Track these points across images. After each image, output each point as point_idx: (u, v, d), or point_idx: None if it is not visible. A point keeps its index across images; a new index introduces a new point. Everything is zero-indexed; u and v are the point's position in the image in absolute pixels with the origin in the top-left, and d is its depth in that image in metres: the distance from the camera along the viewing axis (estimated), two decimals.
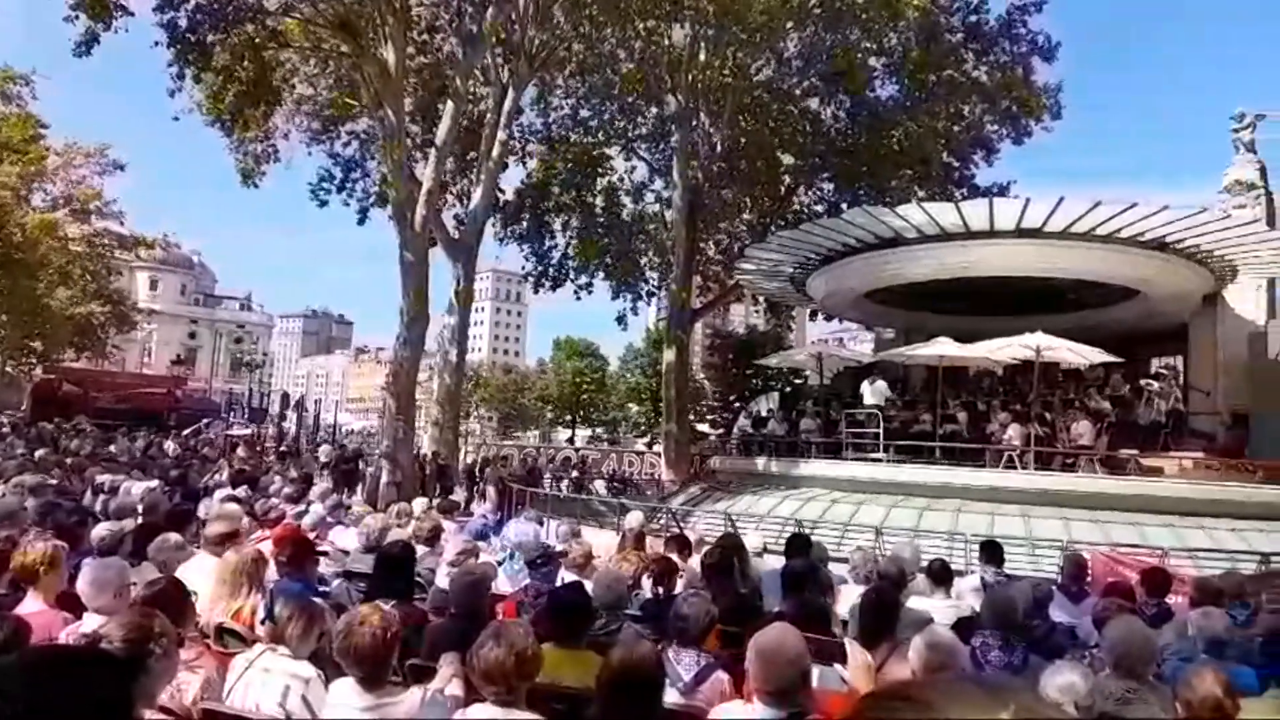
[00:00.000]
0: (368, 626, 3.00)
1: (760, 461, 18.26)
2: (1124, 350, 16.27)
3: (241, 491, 9.92)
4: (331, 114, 25.51)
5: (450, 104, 20.20)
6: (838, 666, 3.77)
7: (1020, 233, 15.76)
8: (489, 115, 22.96)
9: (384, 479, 17.92)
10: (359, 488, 19.52)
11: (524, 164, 29.42)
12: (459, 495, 19.11)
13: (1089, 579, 7.82)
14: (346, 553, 6.50)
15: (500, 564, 6.43)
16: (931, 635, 3.68)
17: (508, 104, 22.06)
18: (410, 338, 19.09)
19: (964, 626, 4.79)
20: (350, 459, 22.95)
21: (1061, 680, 3.33)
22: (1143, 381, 17.22)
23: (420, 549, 6.48)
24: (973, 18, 25.07)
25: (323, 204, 27.33)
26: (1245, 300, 18.32)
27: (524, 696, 2.81)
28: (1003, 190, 25.75)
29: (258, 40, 20.02)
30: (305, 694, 3.12)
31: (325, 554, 6.21)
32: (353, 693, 3.02)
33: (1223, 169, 19.26)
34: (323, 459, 24.62)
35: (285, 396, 42.94)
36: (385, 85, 18.17)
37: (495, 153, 22.00)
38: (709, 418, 47.37)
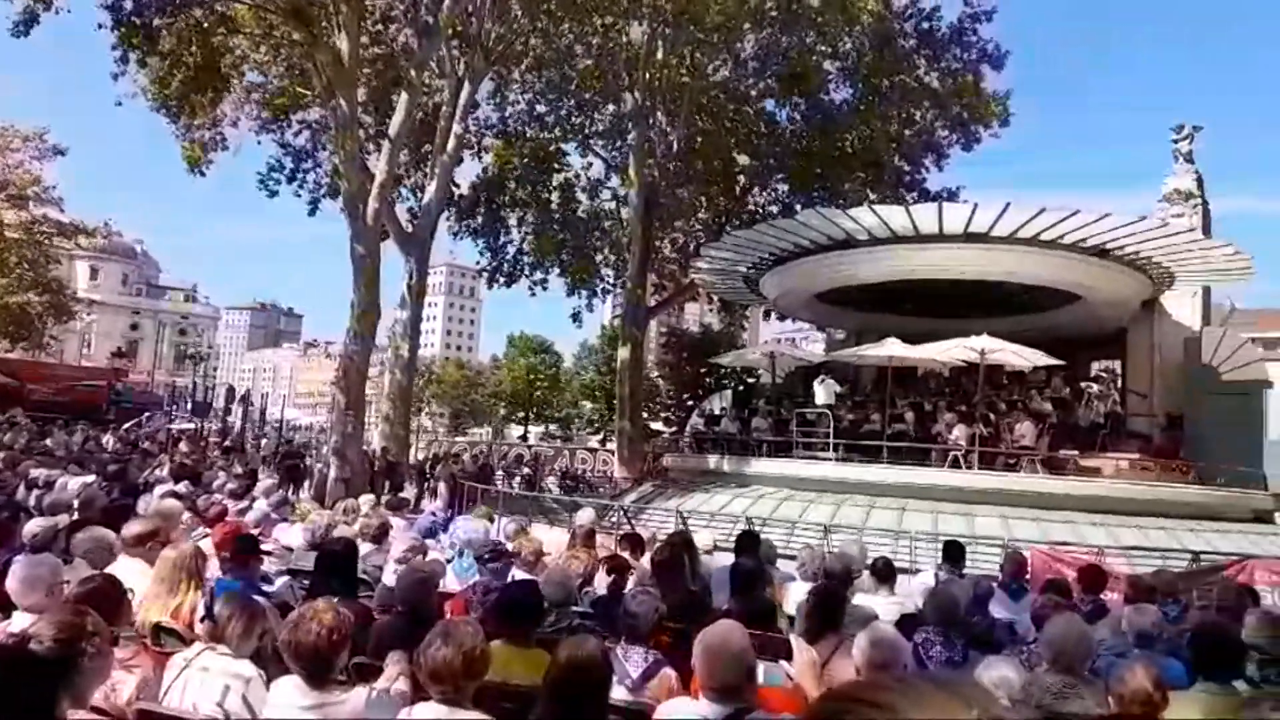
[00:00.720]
0: (315, 623, 2.96)
1: (713, 459, 18.36)
2: (1065, 353, 16.69)
3: (183, 487, 9.68)
4: (282, 102, 25.00)
5: (405, 95, 19.94)
6: (783, 663, 3.82)
7: (967, 237, 16.09)
8: (444, 108, 22.72)
9: (332, 475, 17.64)
10: (306, 484, 19.19)
11: (479, 158, 29.21)
12: (409, 492, 18.90)
13: (1028, 576, 8.01)
14: (291, 550, 6.40)
15: (449, 561, 6.38)
16: (875, 632, 3.74)
17: (463, 97, 21.87)
18: (361, 332, 18.81)
19: (907, 623, 4.88)
20: (296, 454, 22.54)
21: (995, 674, 3.41)
22: (1083, 384, 17.71)
23: (367, 546, 6.41)
24: (925, 24, 25.49)
25: (272, 194, 26.80)
26: (1181, 306, 18.93)
27: (471, 695, 2.79)
28: (952, 195, 26.25)
29: (206, 25, 19.56)
30: (245, 694, 3.06)
31: (269, 552, 6.10)
32: (296, 692, 2.98)
33: (1162, 178, 19.86)
34: (262, 452, 24.15)
35: (231, 390, 41.96)
36: (338, 75, 17.87)
37: (450, 146, 21.79)
38: (663, 415, 47.50)
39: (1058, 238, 15.72)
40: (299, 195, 27.32)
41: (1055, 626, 3.95)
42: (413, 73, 20.04)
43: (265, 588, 4.99)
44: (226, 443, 27.84)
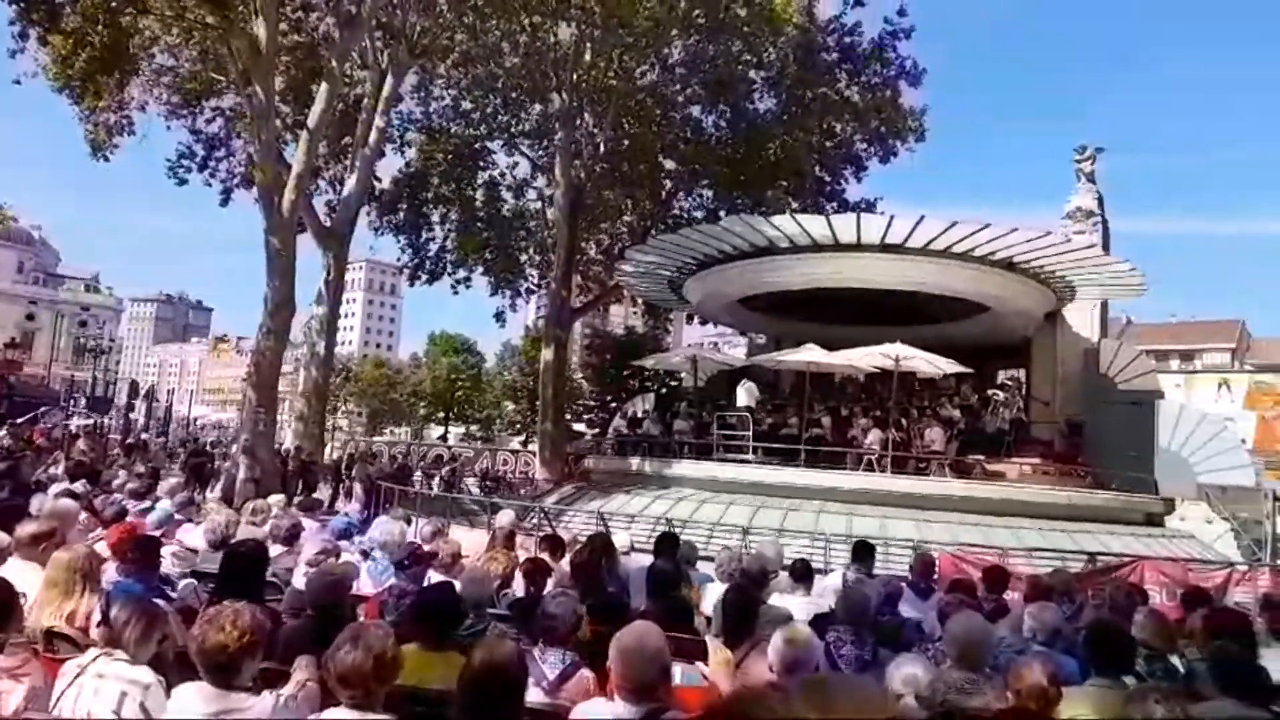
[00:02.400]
0: (227, 625, 2.86)
1: (634, 461, 18.42)
2: (974, 362, 17.32)
3: (80, 486, 9.20)
4: (194, 88, 24.07)
5: (325, 86, 19.43)
6: (699, 664, 3.86)
7: (884, 247, 16.57)
8: (366, 100, 22.24)
9: (241, 475, 17.06)
10: (214, 484, 18.52)
11: (402, 153, 28.71)
12: (324, 493, 18.43)
13: (937, 576, 8.28)
14: (196, 552, 6.16)
15: (364, 564, 6.24)
16: (790, 631, 3.80)
17: (386, 90, 21.44)
18: (274, 327, 18.25)
19: (821, 622, 4.98)
20: (202, 452, 21.73)
21: (905, 672, 3.51)
22: (990, 391, 18.42)
23: (277, 548, 6.22)
24: (847, 39, 26.10)
25: (182, 182, 25.80)
26: (1081, 319, 19.83)
27: (382, 699, 2.74)
28: (870, 206, 26.93)
29: (114, 3, 18.65)
30: (144, 701, 2.94)
31: (173, 553, 5.86)
32: (198, 698, 2.87)
33: (1066, 196, 20.80)
34: (167, 450, 23.22)
35: (134, 386, 40.23)
36: (255, 62, 17.29)
37: (372, 139, 21.34)
38: (585, 417, 47.42)
39: (969, 250, 16.30)
40: (210, 184, 26.41)
41: (958, 625, 4.09)
42: (334, 63, 19.54)
43: (169, 591, 4.80)
44: (128, 440, 26.67)
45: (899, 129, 26.41)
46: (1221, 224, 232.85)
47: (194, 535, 6.87)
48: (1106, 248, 19.34)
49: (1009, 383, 19.96)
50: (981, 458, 16.24)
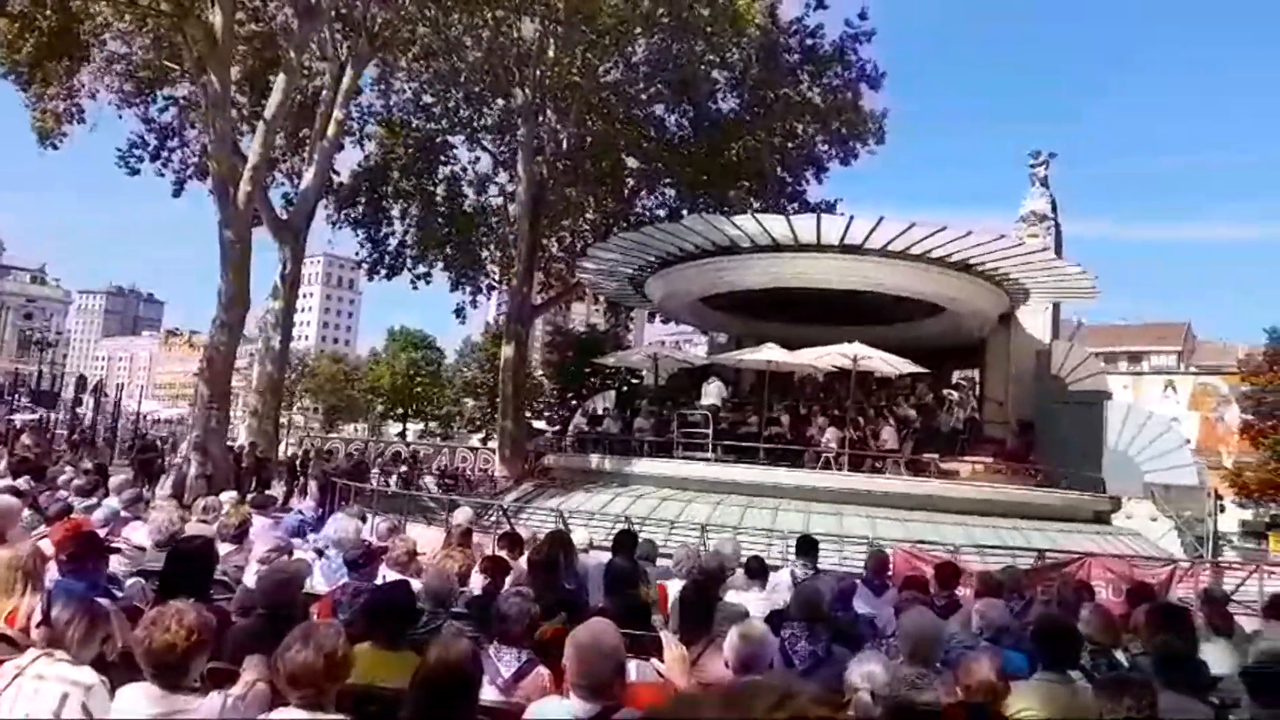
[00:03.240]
0: (173, 624, 2.80)
1: (595, 459, 18.38)
2: (930, 362, 17.58)
3: (23, 483, 8.94)
4: (148, 76, 23.52)
5: (282, 76, 19.11)
6: (654, 660, 3.87)
7: (844, 248, 16.74)
8: (325, 92, 21.94)
9: (193, 471, 16.74)
10: (163, 480, 18.13)
11: (361, 146, 28.37)
12: (278, 490, 18.15)
13: (891, 573, 8.40)
14: (143, 550, 6.03)
15: (318, 562, 6.16)
16: (745, 628, 3.84)
17: (346, 82, 21.16)
18: (228, 321, 17.93)
19: (776, 619, 5.03)
20: (152, 448, 21.26)
21: (864, 669, 3.54)
22: (945, 391, 18.71)
23: (227, 546, 6.11)
24: (809, 41, 26.32)
25: (134, 172, 25.28)
26: (1034, 321, 20.21)
27: (333, 699, 2.71)
28: (830, 207, 27.16)
29: None
30: (85, 702, 2.86)
31: (119, 551, 5.72)
32: (143, 698, 2.81)
33: (1020, 200, 21.19)
34: (115, 446, 22.70)
35: (82, 380, 39.20)
36: (210, 50, 16.95)
37: (330, 131, 21.05)
38: (546, 415, 47.27)
39: (926, 252, 16.53)
40: (163, 175, 25.91)
41: (910, 620, 4.16)
42: (292, 54, 19.21)
43: (115, 590, 4.68)
44: (75, 436, 26.01)
45: (859, 131, 26.70)
46: (1170, 229, 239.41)
47: (141, 533, 6.71)
48: (1059, 251, 19.74)
49: (963, 383, 20.29)
50: (936, 456, 16.49)
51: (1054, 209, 20.84)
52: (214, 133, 17.96)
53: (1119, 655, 4.84)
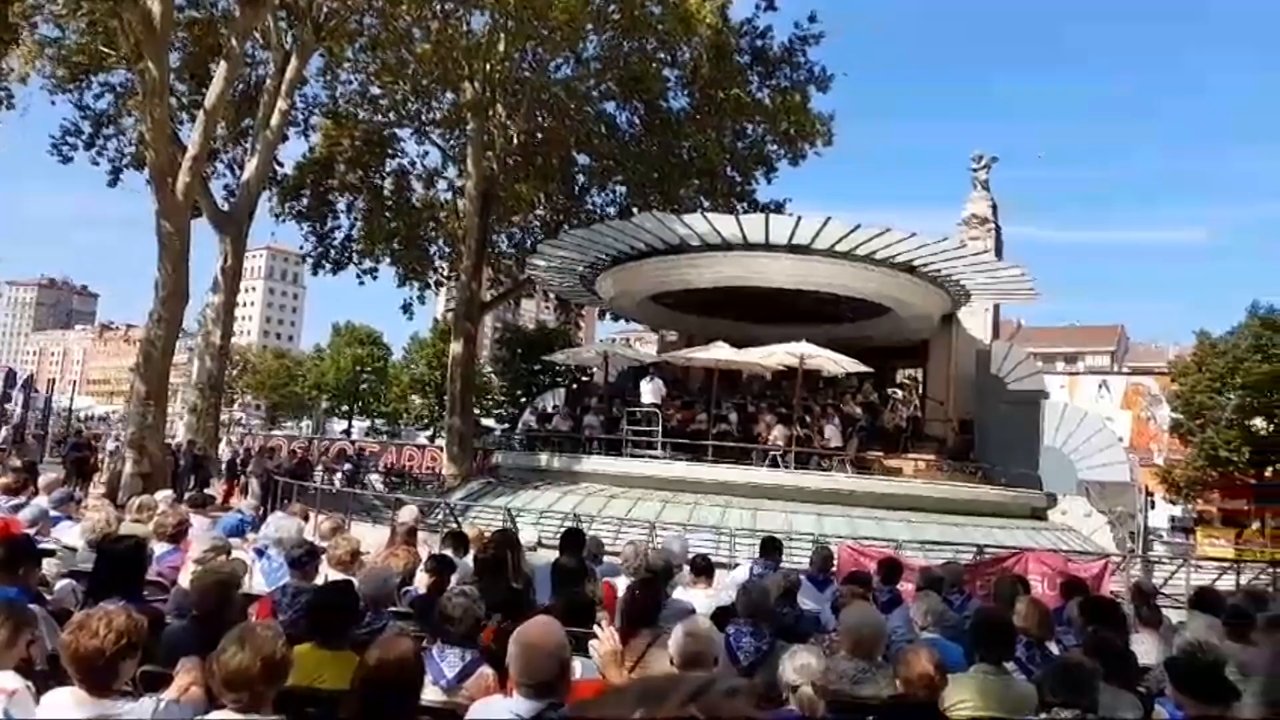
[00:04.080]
0: (101, 627, 2.71)
1: (543, 457, 18.31)
2: (875, 361, 17.89)
3: None
4: (81, 61, 22.72)
5: (224, 64, 18.62)
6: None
7: (791, 248, 16.93)
8: (269, 81, 21.44)
9: (128, 469, 16.25)
10: (97, 479, 17.57)
11: (306, 137, 27.81)
12: (217, 489, 17.70)
13: (835, 569, 8.53)
14: (74, 550, 5.84)
15: (257, 562, 6.03)
16: (690, 625, 3.85)
17: (290, 72, 20.71)
18: (165, 315, 17.43)
19: (722, 616, 5.07)
20: (85, 446, 20.57)
21: (798, 662, 3.59)
22: (889, 390, 19.06)
23: (163, 546, 5.95)
24: (759, 42, 26.52)
25: (66, 160, 24.40)
26: (975, 322, 20.70)
27: (270, 702, 2.65)
28: (779, 207, 27.40)
29: None
30: (7, 708, 2.76)
31: (50, 552, 5.53)
32: (71, 703, 2.72)
33: (962, 203, 21.66)
34: (46, 444, 21.93)
35: (10, 374, 37.70)
36: (148, 36, 16.40)
37: (274, 122, 20.58)
38: (495, 412, 46.98)
39: (871, 253, 16.80)
40: (98, 163, 25.03)
41: (852, 615, 4.22)
42: (234, 41, 18.73)
43: (44, 593, 4.52)
44: (2, 432, 25.05)
45: (807, 132, 26.96)
46: (1105, 233, 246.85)
47: (73, 533, 6.50)
48: (999, 253, 20.24)
49: (907, 382, 20.71)
50: (880, 454, 16.79)
51: (995, 212, 21.34)
52: (151, 121, 17.39)
53: (1052, 647, 4.97)
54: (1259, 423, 33.23)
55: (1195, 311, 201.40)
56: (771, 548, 7.92)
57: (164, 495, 8.36)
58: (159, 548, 5.96)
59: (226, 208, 21.44)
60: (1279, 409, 32.88)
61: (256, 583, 5.78)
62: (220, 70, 18.63)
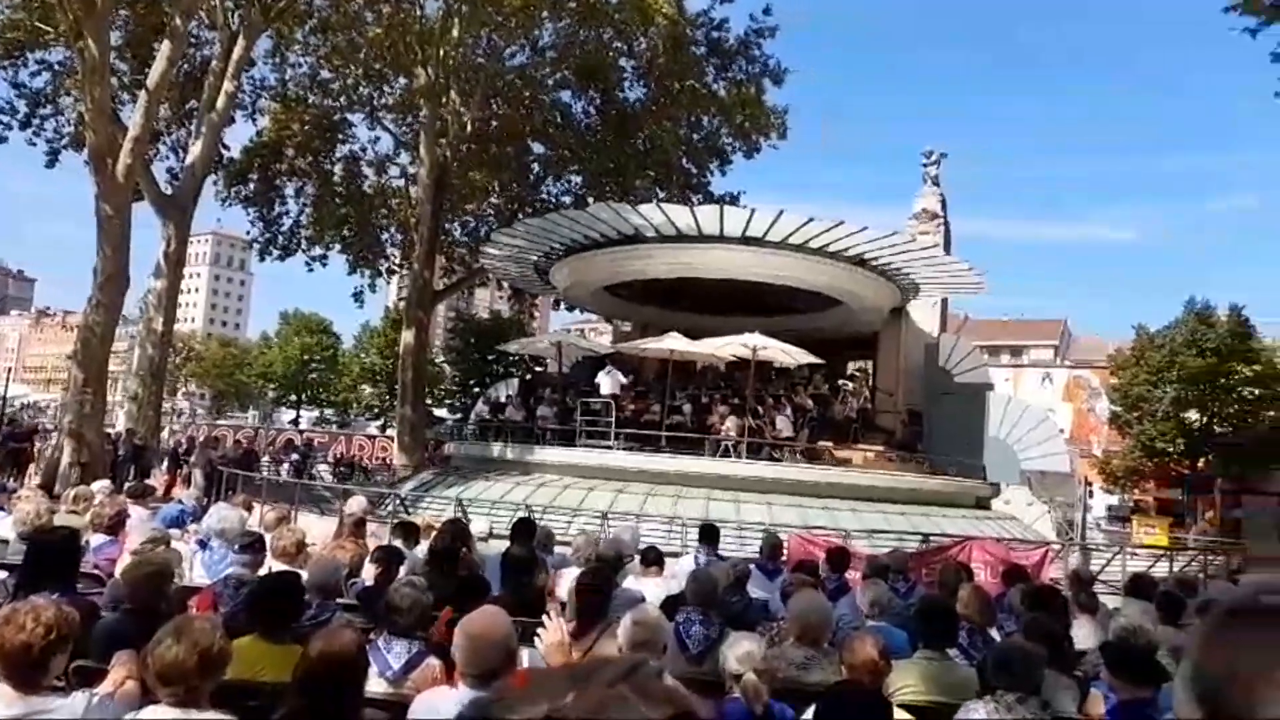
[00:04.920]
0: (29, 621, 2.63)
1: (496, 447, 18.22)
2: (826, 353, 18.10)
3: None
4: (17, 38, 21.89)
5: (167, 44, 18.06)
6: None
7: (745, 240, 17.04)
8: (214, 62, 20.90)
9: (65, 459, 15.78)
10: (33, 469, 17.03)
11: (254, 121, 27.12)
12: (158, 479, 17.28)
13: (785, 558, 8.62)
14: (6, 543, 5.65)
15: (199, 553, 5.90)
16: (639, 614, 3.86)
17: (237, 52, 20.18)
18: (105, 300, 16.94)
19: (672, 604, 5.10)
20: (21, 435, 19.92)
21: (740, 651, 3.61)
22: (840, 381, 19.30)
23: (100, 538, 5.79)
24: (715, 34, 26.53)
25: (1, 140, 23.50)
26: (924, 315, 21.06)
27: (207, 695, 2.59)
28: (734, 199, 27.49)
29: None
30: None
31: None
32: None
33: (913, 198, 21.99)
34: None
35: None
36: (87, 13, 15.84)
37: (220, 104, 20.06)
38: (448, 402, 46.55)
39: (824, 245, 16.99)
40: (35, 144, 24.15)
41: (799, 603, 4.28)
42: (178, 20, 18.18)
43: None
44: None
45: (762, 125, 27.09)
46: (1050, 229, 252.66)
47: (4, 525, 6.30)
48: (948, 248, 20.59)
49: (857, 373, 21.00)
50: (830, 444, 17.00)
51: (944, 207, 21.70)
52: (91, 101, 16.82)
53: (994, 633, 5.08)
54: (1193, 415, 34.40)
55: (1134, 306, 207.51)
56: (711, 535, 8.00)
57: (101, 486, 8.15)
58: (95, 539, 5.80)
59: (170, 191, 20.87)
60: (1212, 402, 34.04)
61: (198, 575, 5.66)
62: (163, 49, 18.08)
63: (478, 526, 8.24)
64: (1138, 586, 6.77)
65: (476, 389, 38.68)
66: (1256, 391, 33.65)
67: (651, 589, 6.05)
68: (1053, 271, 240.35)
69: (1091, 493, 29.19)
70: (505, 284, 29.63)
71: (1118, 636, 4.35)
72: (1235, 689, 0.68)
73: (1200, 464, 34.26)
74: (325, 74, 26.51)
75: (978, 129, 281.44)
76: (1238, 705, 0.68)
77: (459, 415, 38.47)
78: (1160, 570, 13.04)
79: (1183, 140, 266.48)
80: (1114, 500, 38.73)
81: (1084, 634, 5.43)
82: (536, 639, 3.61)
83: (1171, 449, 34.27)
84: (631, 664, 0.66)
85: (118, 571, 5.03)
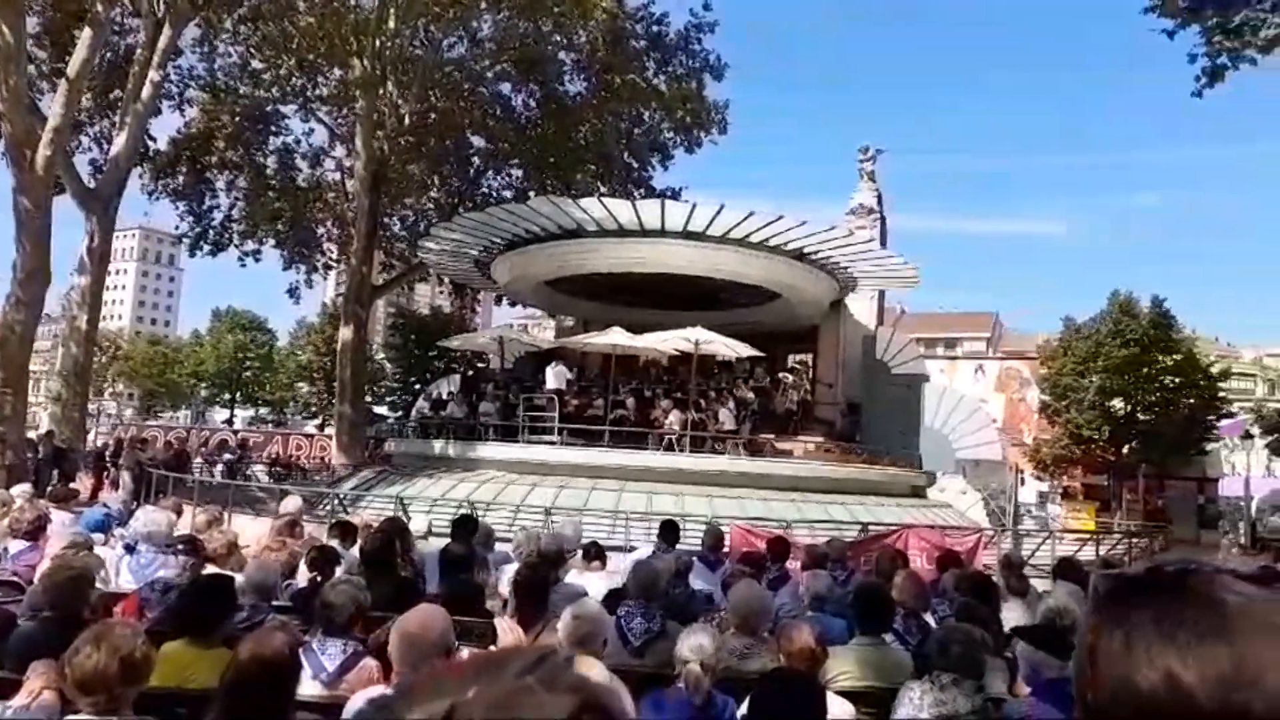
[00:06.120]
0: None
1: (438, 444, 18.03)
2: (767, 346, 18.31)
3: None
4: None
5: (88, 31, 17.42)
6: (491, 648, 3.83)
7: (686, 234, 17.13)
8: (139, 51, 20.19)
9: None
10: None
11: (182, 112, 26.28)
12: (84, 483, 16.68)
13: (727, 549, 8.71)
14: None
15: (125, 558, 5.71)
16: (579, 607, 3.87)
17: (163, 41, 19.56)
18: (24, 298, 16.32)
19: (614, 598, 5.11)
20: None
21: (693, 642, 3.64)
22: (780, 374, 19.54)
23: (19, 544, 5.57)
24: (655, 28, 26.53)
25: None
26: (861, 308, 21.42)
27: (131, 703, 2.52)
28: (675, 194, 27.56)
29: None
30: None
31: None
32: None
33: (850, 193, 22.31)
34: None
35: None
36: None
37: (145, 94, 19.42)
38: (388, 400, 45.79)
39: (764, 240, 17.17)
40: None
41: (738, 593, 4.33)
42: (99, 7, 17.53)
43: None
44: None
45: (703, 120, 27.21)
46: (981, 223, 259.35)
47: None
48: (884, 242, 20.97)
49: (798, 366, 21.26)
50: (772, 437, 17.21)
51: (880, 202, 22.08)
52: (6, 90, 16.14)
53: (928, 618, 5.21)
54: (1118, 404, 35.63)
55: (1062, 299, 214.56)
56: (669, 530, 8.03)
57: (20, 490, 7.84)
58: (14, 545, 5.59)
59: (93, 184, 20.15)
60: (1135, 391, 35.32)
61: (124, 580, 5.48)
62: (84, 37, 17.44)
63: (418, 525, 8.14)
64: (1064, 569, 7.01)
65: (417, 386, 38.16)
66: (1176, 380, 34.99)
67: (594, 583, 6.06)
68: (984, 265, 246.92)
69: (1023, 480, 30.08)
70: (446, 279, 29.27)
71: (1045, 618, 4.50)
72: (1116, 657, 0.72)
73: (1125, 451, 35.54)
74: (256, 64, 25.77)
75: (909, 126, 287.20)
76: (1119, 672, 0.71)
77: (400, 413, 37.91)
78: (1087, 554, 13.56)
79: (1107, 137, 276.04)
80: (1044, 487, 39.97)
81: (1014, 616, 5.59)
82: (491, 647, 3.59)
83: (1098, 437, 35.42)
84: (539, 655, 0.65)
85: (38, 578, 4.85)
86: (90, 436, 24.95)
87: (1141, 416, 35.43)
